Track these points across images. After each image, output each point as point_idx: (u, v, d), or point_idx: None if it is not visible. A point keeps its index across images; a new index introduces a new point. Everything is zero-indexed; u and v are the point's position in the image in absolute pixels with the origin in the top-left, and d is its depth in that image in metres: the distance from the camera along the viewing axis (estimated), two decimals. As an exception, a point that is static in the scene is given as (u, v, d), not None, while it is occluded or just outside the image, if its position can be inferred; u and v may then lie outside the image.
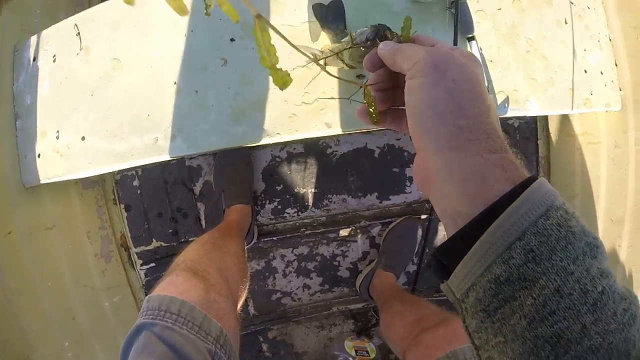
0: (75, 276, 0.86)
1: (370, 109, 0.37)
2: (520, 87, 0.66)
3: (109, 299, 0.95)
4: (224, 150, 0.96)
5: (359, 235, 1.08)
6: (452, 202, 0.27)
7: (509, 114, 0.65)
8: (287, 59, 0.60)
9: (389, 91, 0.37)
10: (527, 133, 1.07)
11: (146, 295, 0.52)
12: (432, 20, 0.62)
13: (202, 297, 0.51)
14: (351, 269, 1.10)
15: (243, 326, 0.81)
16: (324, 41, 0.58)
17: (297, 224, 1.07)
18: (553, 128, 1.04)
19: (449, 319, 0.64)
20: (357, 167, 1.05)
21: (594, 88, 0.73)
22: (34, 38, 0.71)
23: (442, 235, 1.10)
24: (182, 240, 1.05)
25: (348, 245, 1.08)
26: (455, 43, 0.57)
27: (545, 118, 1.06)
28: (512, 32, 0.66)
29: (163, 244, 1.05)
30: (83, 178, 0.85)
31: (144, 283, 1.05)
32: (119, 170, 1.00)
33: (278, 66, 0.27)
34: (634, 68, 0.75)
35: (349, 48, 0.46)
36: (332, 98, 0.60)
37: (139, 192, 1.03)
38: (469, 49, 0.62)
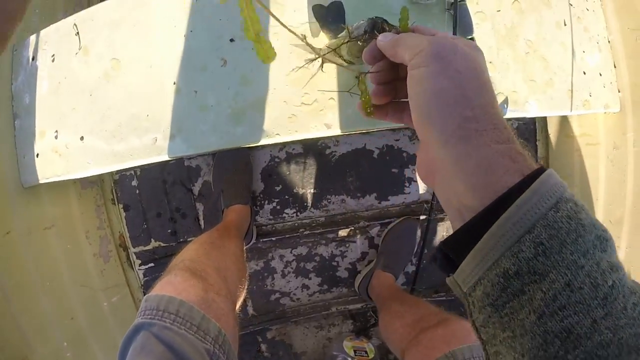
0: (73, 276, 0.86)
1: (362, 99, 0.36)
2: (519, 88, 0.66)
3: (107, 298, 0.95)
4: (223, 151, 0.96)
5: (358, 236, 1.08)
6: (458, 194, 0.26)
7: (508, 115, 0.65)
8: (286, 59, 0.60)
9: (390, 84, 0.37)
10: (526, 134, 1.07)
11: (145, 295, 0.52)
12: (432, 21, 0.62)
13: (201, 297, 0.51)
14: (350, 269, 1.10)
15: (242, 326, 0.81)
16: (324, 40, 0.58)
17: (296, 224, 1.07)
18: (552, 129, 1.05)
19: (447, 319, 0.64)
20: (356, 167, 1.05)
21: (592, 89, 0.73)
22: (32, 37, 0.71)
23: (441, 235, 1.10)
24: (181, 240, 1.05)
25: (347, 245, 1.08)
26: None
27: (544, 119, 1.06)
28: (512, 34, 0.66)
29: (162, 244, 1.05)
30: (82, 178, 0.84)
31: (142, 283, 1.05)
32: (117, 170, 1.00)
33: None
34: (633, 70, 0.75)
35: (347, 42, 0.45)
36: (332, 91, 0.59)
37: (137, 192, 1.03)
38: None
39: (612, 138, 0.83)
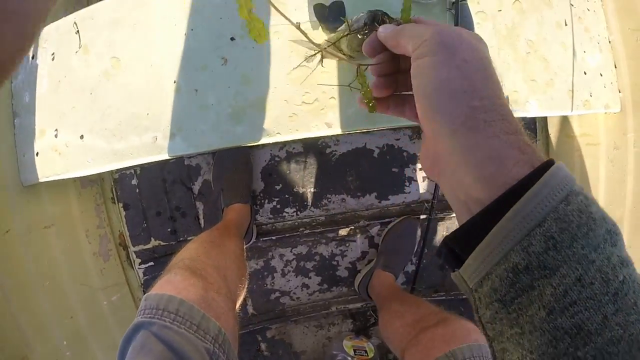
0: (73, 275, 0.86)
1: (362, 92, 0.36)
2: (520, 88, 0.66)
3: (107, 297, 0.95)
4: (223, 150, 0.96)
5: (358, 235, 1.08)
6: (465, 187, 0.26)
7: (509, 115, 0.65)
8: (287, 59, 0.60)
9: (391, 76, 0.36)
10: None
11: (144, 294, 0.52)
12: (433, 20, 0.62)
13: (201, 295, 0.51)
14: (350, 268, 1.10)
15: (241, 325, 0.81)
16: (323, 36, 0.58)
17: (296, 223, 1.07)
18: (552, 129, 1.05)
19: (447, 318, 0.64)
20: (356, 167, 1.05)
21: (593, 89, 0.73)
22: (33, 36, 0.71)
23: (441, 235, 1.10)
24: (181, 239, 1.05)
25: (347, 245, 1.08)
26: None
27: (544, 119, 1.06)
28: (512, 34, 0.66)
29: (162, 243, 1.05)
30: (81, 177, 0.84)
31: (142, 282, 1.05)
32: (117, 169, 1.00)
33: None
34: (633, 70, 0.75)
35: (347, 35, 0.44)
36: (332, 85, 0.59)
37: (137, 191, 1.03)
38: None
39: (613, 138, 0.83)
